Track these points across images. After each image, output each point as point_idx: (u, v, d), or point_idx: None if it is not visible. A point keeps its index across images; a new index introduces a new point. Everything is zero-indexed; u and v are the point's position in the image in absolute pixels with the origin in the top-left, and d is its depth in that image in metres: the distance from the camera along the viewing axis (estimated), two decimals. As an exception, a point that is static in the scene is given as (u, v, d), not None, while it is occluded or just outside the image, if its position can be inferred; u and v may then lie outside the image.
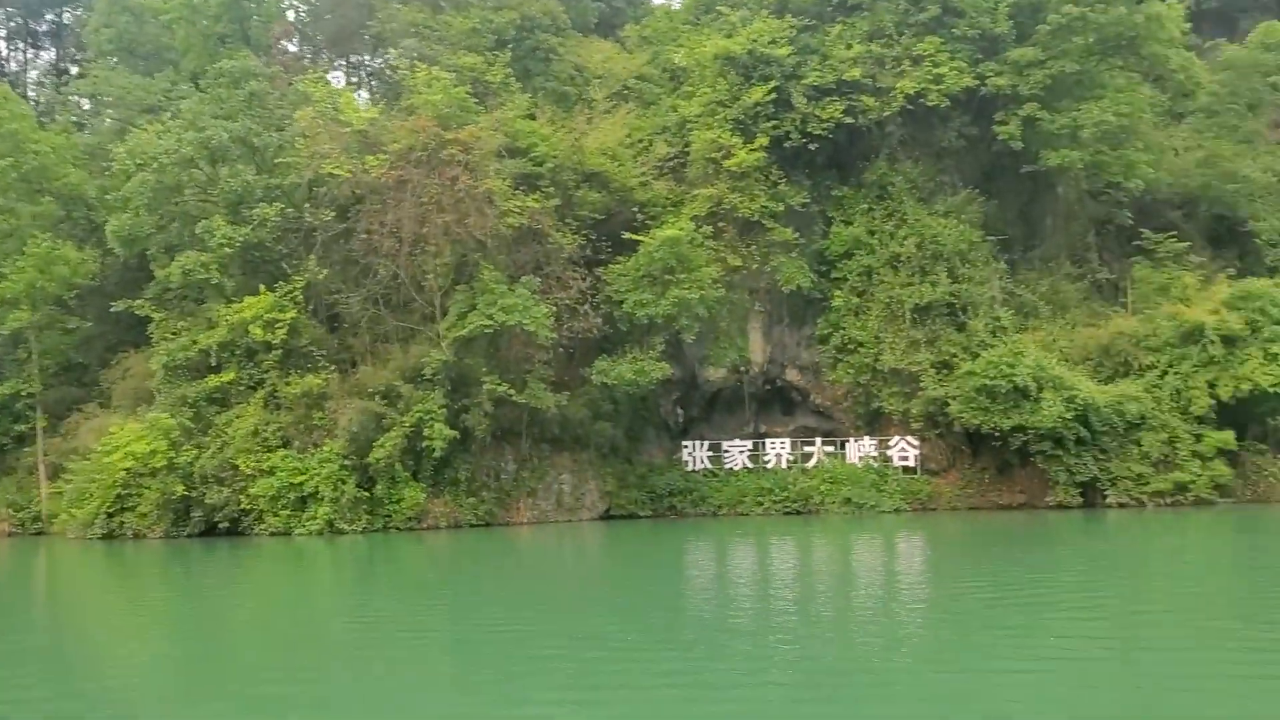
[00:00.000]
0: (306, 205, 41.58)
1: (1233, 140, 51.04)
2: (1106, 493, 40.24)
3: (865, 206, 45.09)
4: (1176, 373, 40.83)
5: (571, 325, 41.32)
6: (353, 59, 62.64)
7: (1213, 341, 40.00)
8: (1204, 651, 14.65)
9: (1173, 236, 45.98)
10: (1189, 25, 48.18)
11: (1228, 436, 39.72)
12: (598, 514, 43.52)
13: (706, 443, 45.94)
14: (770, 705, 12.36)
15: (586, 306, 41.72)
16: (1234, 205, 49.72)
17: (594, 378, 41.51)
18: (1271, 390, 39.14)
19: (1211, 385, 40.06)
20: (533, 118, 44.50)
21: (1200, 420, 40.15)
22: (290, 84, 45.90)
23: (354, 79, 61.76)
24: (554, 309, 40.45)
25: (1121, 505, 39.78)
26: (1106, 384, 40.96)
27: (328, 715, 12.42)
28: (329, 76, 52.98)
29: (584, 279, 42.01)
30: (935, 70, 42.55)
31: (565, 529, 40.21)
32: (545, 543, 35.96)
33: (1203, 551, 29.53)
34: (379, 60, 59.53)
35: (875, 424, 45.05)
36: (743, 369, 46.08)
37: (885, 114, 43.43)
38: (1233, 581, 22.74)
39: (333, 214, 41.41)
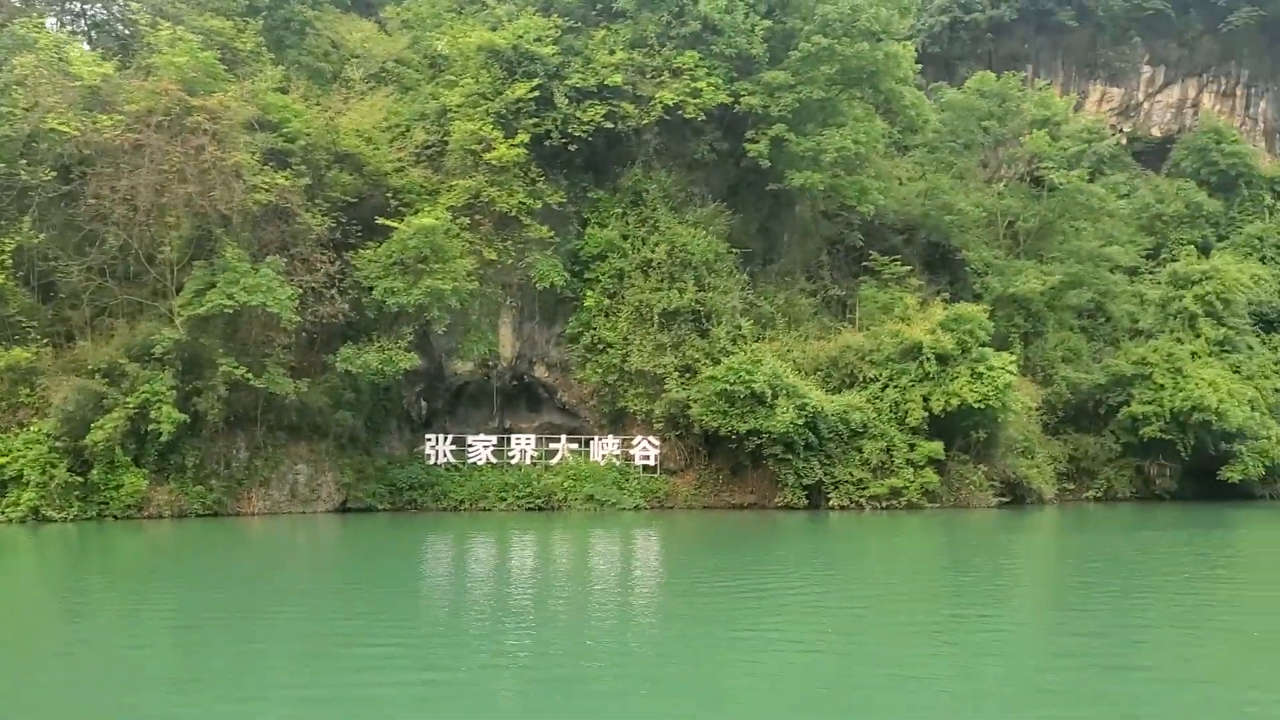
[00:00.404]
0: (22, 161, 37.94)
1: (949, 175, 55.77)
2: (829, 495, 42.92)
3: (620, 211, 45.98)
4: (896, 386, 44.05)
5: (317, 309, 39.83)
6: (70, 6, 57.52)
7: (929, 359, 43.43)
8: (909, 640, 16.25)
9: (897, 260, 49.64)
10: (919, 66, 52.06)
11: (937, 447, 43.22)
12: (334, 506, 42.10)
13: (450, 436, 45.37)
14: (503, 699, 12.68)
15: (334, 291, 40.34)
16: (948, 234, 54.31)
17: (338, 365, 40.17)
18: (976, 405, 42.87)
19: (926, 399, 43.45)
20: (285, 92, 42.60)
21: (914, 431, 43.46)
22: (3, 26, 41.76)
23: (73, 29, 56.79)
24: (299, 291, 38.86)
25: (843, 508, 42.55)
26: (834, 394, 43.66)
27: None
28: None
29: (332, 262, 40.61)
30: (694, 84, 43.96)
31: (299, 521, 38.71)
32: (277, 534, 34.57)
33: (911, 551, 32.06)
34: (105, 11, 54.99)
35: (619, 423, 45.99)
36: (491, 363, 45.86)
37: (644, 122, 44.44)
38: (935, 579, 24.92)
39: (54, 174, 38.01)
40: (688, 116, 43.98)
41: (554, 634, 16.78)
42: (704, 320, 44.89)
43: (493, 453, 45.30)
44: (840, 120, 46.03)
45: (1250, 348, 56.46)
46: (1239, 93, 76.32)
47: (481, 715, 12.04)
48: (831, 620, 18.24)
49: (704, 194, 47.60)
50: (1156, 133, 74.71)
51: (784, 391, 41.59)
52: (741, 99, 44.73)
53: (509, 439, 45.94)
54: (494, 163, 42.45)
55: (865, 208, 48.49)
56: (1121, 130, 71.92)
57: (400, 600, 20.66)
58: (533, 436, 46.26)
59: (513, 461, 45.09)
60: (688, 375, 43.89)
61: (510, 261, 43.53)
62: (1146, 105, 75.21)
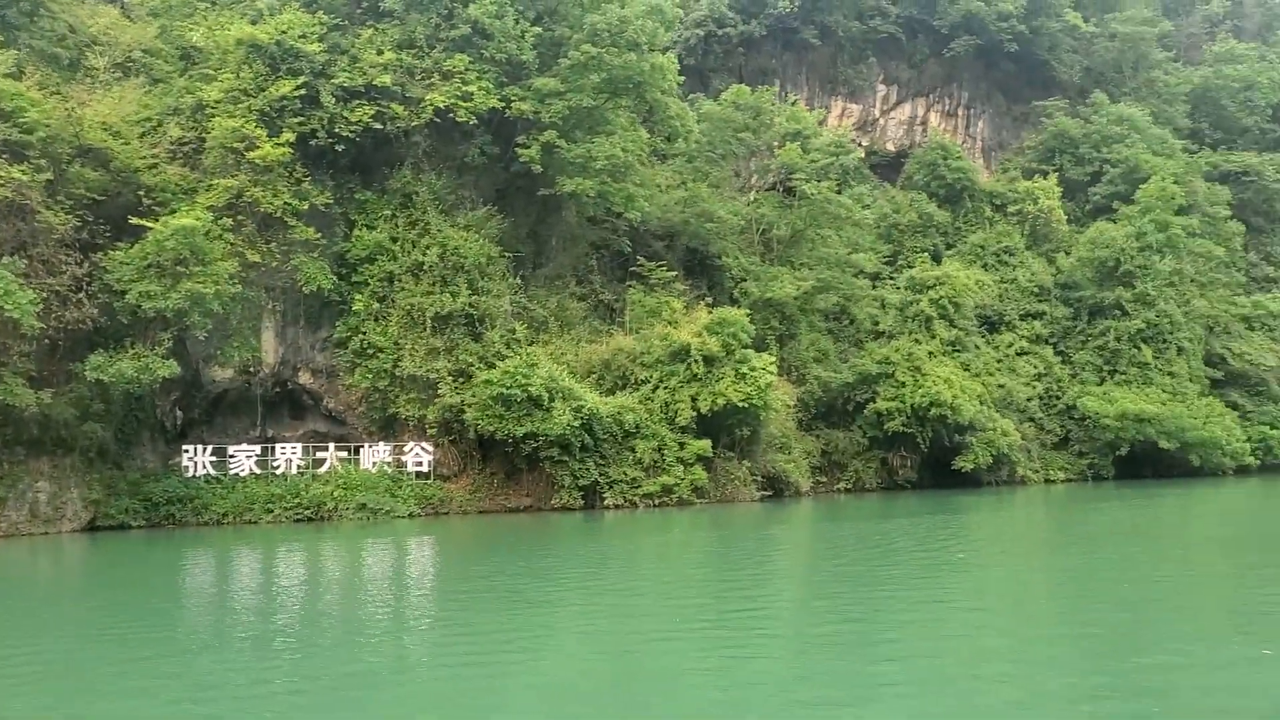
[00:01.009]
0: None
1: (706, 184, 57.97)
2: (605, 495, 43.79)
3: (389, 213, 45.19)
4: (666, 387, 45.47)
5: (62, 315, 37.08)
6: None
7: (696, 361, 45.08)
8: (682, 636, 16.95)
9: (662, 265, 51.19)
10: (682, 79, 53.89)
11: (705, 445, 44.92)
12: (80, 525, 39.24)
13: (209, 447, 43.19)
14: (270, 714, 12.51)
15: (81, 295, 37.66)
16: (708, 241, 56.41)
17: (87, 374, 37.48)
18: (740, 404, 44.85)
19: (694, 399, 45.07)
20: (18, 79, 39.35)
21: (684, 430, 45.01)
22: None
23: None
24: (42, 296, 36.05)
25: (618, 507, 43.52)
26: (608, 395, 44.59)
27: None
28: None
29: (79, 264, 37.92)
30: (465, 88, 43.80)
31: (41, 543, 35.91)
32: (15, 558, 31.96)
33: (684, 548, 33.25)
34: None
35: (390, 429, 45.19)
36: (252, 369, 44.04)
37: (414, 124, 43.89)
38: (706, 574, 26.09)
39: None
40: (459, 120, 43.77)
41: (322, 653, 16.40)
42: (477, 324, 44.78)
43: (256, 463, 43.47)
44: (609, 128, 47.03)
45: (977, 347, 61.67)
46: (960, 113, 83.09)
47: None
48: (609, 619, 18.75)
49: (474, 197, 47.51)
50: (891, 147, 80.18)
51: (560, 394, 42.12)
52: (512, 104, 44.95)
53: (273, 448, 44.24)
54: (257, 162, 40.81)
55: (632, 214, 49.76)
56: (861, 144, 76.78)
57: (152, 623, 19.50)
58: (299, 445, 44.74)
59: (278, 471, 43.46)
60: (462, 380, 43.68)
61: (275, 264, 41.96)
62: (882, 121, 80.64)
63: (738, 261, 55.89)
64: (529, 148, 45.03)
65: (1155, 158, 73.23)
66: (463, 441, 44.83)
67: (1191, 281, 67.65)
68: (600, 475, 43.83)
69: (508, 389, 41.69)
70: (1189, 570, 25.46)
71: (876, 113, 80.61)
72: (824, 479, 55.70)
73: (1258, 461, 65.32)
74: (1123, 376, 63.34)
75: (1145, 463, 61.49)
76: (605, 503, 43.70)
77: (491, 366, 43.15)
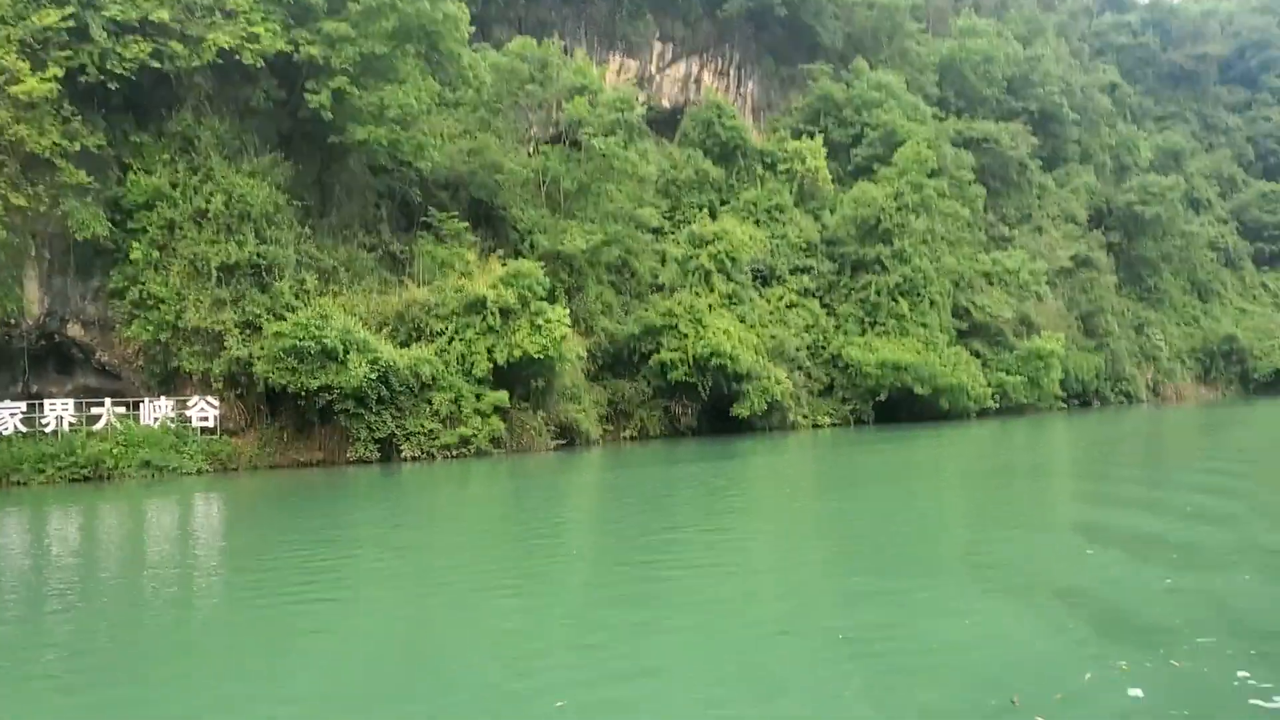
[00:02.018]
0: None
1: (492, 135, 57.98)
2: (401, 448, 43.71)
3: (168, 157, 42.95)
4: (462, 339, 45.63)
5: None
6: None
7: (493, 313, 45.44)
8: (478, 590, 16.94)
9: (454, 216, 51.05)
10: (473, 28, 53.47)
11: (502, 396, 45.48)
12: None
13: (-34, 406, 40.29)
14: (38, 694, 11.81)
15: None
16: (495, 193, 56.57)
17: None
18: (536, 356, 45.64)
19: (490, 351, 45.48)
20: None
21: (481, 381, 45.39)
22: None
23: None
24: None
25: (415, 459, 43.55)
26: (403, 348, 44.35)
27: None
28: None
29: None
30: (250, 28, 42.05)
31: None
32: None
33: (482, 499, 33.82)
34: None
35: (170, 384, 43.36)
36: (13, 321, 41.18)
37: (195, 64, 41.80)
38: (504, 526, 26.33)
39: None
40: (247, 62, 42.04)
41: (95, 621, 15.32)
42: (264, 274, 43.40)
43: (22, 421, 40.80)
44: (400, 76, 46.29)
45: (752, 300, 64.71)
46: (732, 73, 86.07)
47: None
48: (406, 577, 18.66)
49: (259, 143, 45.74)
50: (667, 104, 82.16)
51: (355, 346, 41.60)
52: (301, 48, 43.50)
53: (40, 405, 41.62)
54: (20, 97, 37.92)
55: (423, 164, 49.31)
56: (639, 100, 78.26)
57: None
58: (70, 401, 42.26)
59: (48, 430, 40.98)
60: (250, 332, 42.36)
61: (44, 209, 39.24)
62: (659, 78, 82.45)
63: (527, 214, 56.34)
64: (318, 93, 43.79)
65: (910, 123, 78.47)
66: (250, 395, 43.58)
67: (942, 240, 73.20)
68: (397, 428, 43.68)
69: (300, 341, 40.83)
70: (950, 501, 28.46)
71: (653, 69, 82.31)
72: (611, 427, 57.36)
73: (996, 405, 71.89)
74: (882, 328, 68.14)
75: (901, 407, 66.54)
76: (402, 455, 43.63)
77: (281, 318, 42.05)
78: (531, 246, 54.47)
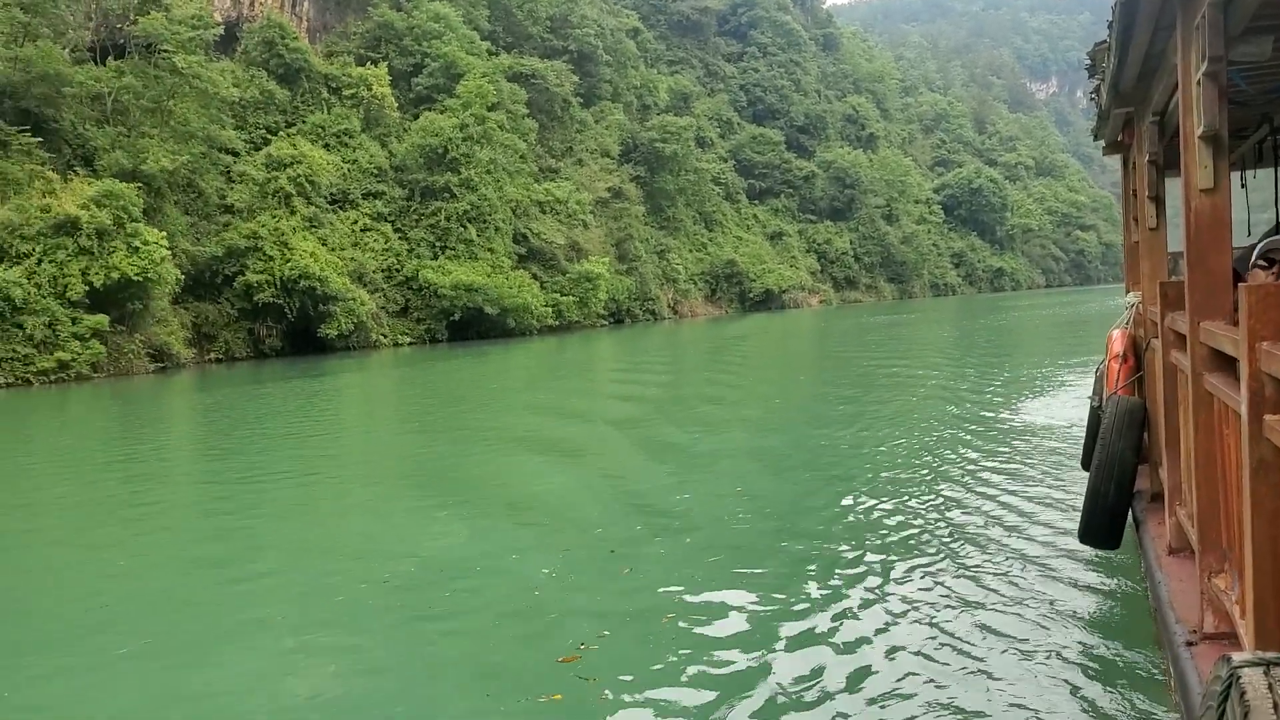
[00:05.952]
0: None
1: (42, 42, 53.99)
2: (-5, 374, 41.79)
3: None
4: (53, 261, 43.98)
5: None
6: None
7: (88, 235, 44.18)
8: (89, 520, 14.45)
9: (25, 131, 48.05)
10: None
11: (102, 320, 44.59)
12: None
13: None
14: None
15: None
16: (55, 106, 53.27)
17: None
18: (135, 278, 45.14)
19: (85, 273, 44.29)
20: None
21: (76, 305, 44.14)
22: None
23: None
24: None
25: (10, 385, 41.77)
26: (-10, 270, 42.08)
27: None
28: None
29: None
30: None
31: None
32: None
33: (87, 426, 30.43)
34: None
35: None
36: None
37: None
38: (107, 454, 22.51)
39: None
40: None
41: None
42: None
43: None
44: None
45: (331, 224, 66.37)
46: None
47: None
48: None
49: None
50: (219, 17, 79.54)
51: (-62, 269, 39.13)
52: None
53: None
54: None
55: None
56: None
57: None
58: None
59: None
60: None
61: None
62: (212, -8, 79.55)
63: (100, 131, 53.92)
64: None
65: (469, 56, 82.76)
66: None
67: (503, 170, 78.75)
68: (-10, 352, 41.68)
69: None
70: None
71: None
72: (195, 350, 57.08)
73: (555, 322, 79.35)
74: (453, 252, 72.58)
75: (472, 326, 71.71)
76: None
77: None
78: (109, 165, 52.34)
